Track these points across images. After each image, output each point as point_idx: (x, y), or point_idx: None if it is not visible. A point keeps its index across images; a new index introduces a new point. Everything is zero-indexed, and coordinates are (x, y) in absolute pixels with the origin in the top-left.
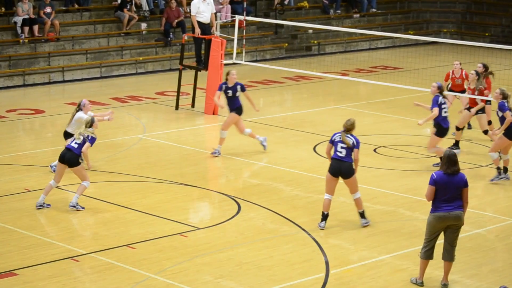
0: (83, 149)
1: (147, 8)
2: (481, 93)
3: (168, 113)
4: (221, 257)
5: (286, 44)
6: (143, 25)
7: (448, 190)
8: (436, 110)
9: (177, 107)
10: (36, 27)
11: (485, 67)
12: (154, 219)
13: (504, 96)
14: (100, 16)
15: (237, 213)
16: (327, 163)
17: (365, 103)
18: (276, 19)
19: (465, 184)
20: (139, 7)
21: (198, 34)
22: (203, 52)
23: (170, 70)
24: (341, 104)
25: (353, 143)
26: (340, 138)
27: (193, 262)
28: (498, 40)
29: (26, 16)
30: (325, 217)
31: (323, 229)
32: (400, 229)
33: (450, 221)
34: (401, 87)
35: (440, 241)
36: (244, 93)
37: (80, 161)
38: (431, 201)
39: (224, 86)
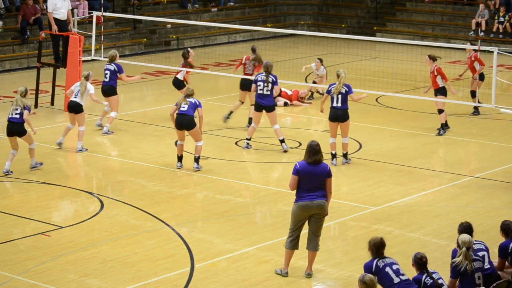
0: (25, 116)
1: (3, 6)
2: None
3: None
4: (85, 255)
5: (145, 40)
6: None
7: (311, 180)
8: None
9: (36, 105)
10: None
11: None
12: (15, 219)
13: None
14: None
15: (100, 210)
16: (187, 156)
17: (225, 96)
18: (134, 14)
19: (328, 174)
20: None
21: (55, 31)
22: (61, 49)
23: (28, 68)
24: (201, 98)
25: (195, 102)
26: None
27: (56, 262)
28: (354, 31)
29: None
30: (179, 158)
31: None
32: (264, 220)
33: (314, 210)
34: None
35: (305, 231)
36: None
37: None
38: (294, 191)
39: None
